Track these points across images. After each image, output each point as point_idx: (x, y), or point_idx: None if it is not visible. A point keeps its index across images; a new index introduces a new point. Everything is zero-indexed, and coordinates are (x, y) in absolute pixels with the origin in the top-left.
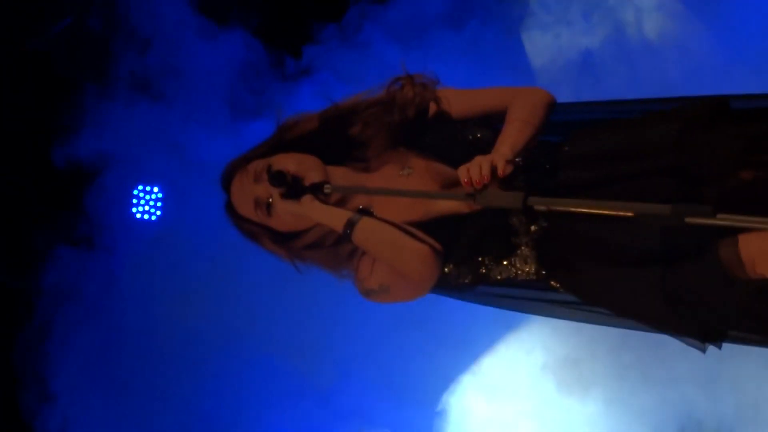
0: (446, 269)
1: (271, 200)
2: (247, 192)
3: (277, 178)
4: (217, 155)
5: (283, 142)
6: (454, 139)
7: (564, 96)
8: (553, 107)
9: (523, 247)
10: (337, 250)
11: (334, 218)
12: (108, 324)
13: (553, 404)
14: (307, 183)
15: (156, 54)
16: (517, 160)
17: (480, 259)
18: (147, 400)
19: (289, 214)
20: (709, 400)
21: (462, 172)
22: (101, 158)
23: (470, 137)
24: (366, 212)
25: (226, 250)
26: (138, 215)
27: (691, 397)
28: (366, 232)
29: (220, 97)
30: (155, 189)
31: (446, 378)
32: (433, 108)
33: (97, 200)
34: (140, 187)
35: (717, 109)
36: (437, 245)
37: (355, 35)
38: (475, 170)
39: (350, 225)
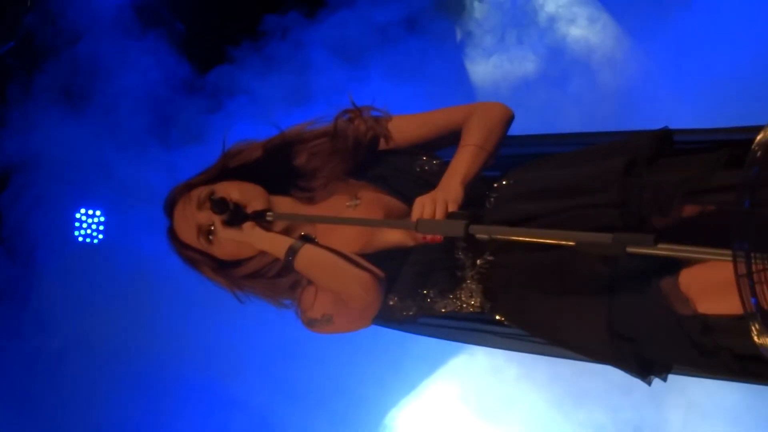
0: (391, 302)
1: (212, 227)
2: (190, 218)
3: (220, 205)
4: (148, 178)
5: (228, 169)
6: (403, 170)
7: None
8: (511, 122)
9: (468, 281)
10: (278, 280)
11: (276, 245)
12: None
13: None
14: (249, 210)
15: (84, 67)
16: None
17: (425, 292)
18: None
19: (230, 241)
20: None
21: (417, 213)
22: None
23: (418, 169)
24: (309, 239)
25: (165, 274)
26: (80, 238)
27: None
28: (308, 258)
29: (148, 119)
30: (98, 212)
31: (386, 402)
32: (383, 141)
33: (38, 221)
34: (83, 210)
35: (660, 144)
36: (380, 272)
37: (294, 53)
38: (429, 211)
39: (292, 252)
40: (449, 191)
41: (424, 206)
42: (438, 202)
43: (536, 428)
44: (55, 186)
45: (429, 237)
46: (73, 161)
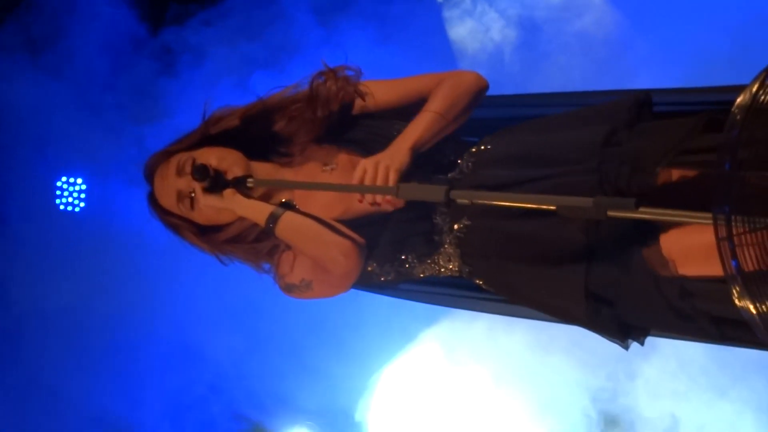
0: (369, 268)
1: (193, 194)
2: (170, 185)
3: (200, 172)
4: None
5: (207, 136)
6: (381, 135)
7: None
8: (483, 93)
9: (446, 246)
10: (258, 245)
11: (257, 212)
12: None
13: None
14: (229, 177)
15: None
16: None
17: (403, 257)
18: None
19: (210, 208)
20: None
21: (357, 176)
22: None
23: (395, 133)
24: (289, 206)
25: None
26: (61, 206)
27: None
28: (289, 225)
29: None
30: (78, 180)
31: (369, 366)
32: (358, 103)
33: (18, 190)
34: (63, 179)
35: (640, 106)
36: (360, 239)
37: (268, 11)
38: (370, 177)
39: (273, 219)
40: (395, 157)
41: (366, 171)
42: (380, 168)
43: (509, 375)
44: (28, 151)
45: (368, 200)
46: (42, 123)
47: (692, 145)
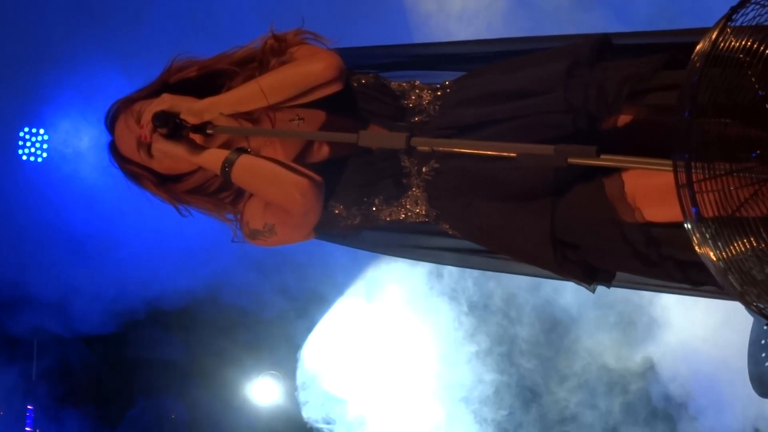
0: (336, 210)
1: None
2: (130, 133)
3: (161, 119)
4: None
5: (167, 85)
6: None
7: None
8: (325, 84)
9: (414, 189)
10: (220, 195)
11: (212, 159)
12: None
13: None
14: (188, 124)
15: None
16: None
17: (370, 200)
18: None
19: (165, 154)
20: None
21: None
22: None
23: (355, 84)
24: (244, 151)
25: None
26: (24, 157)
27: None
28: (244, 168)
29: None
30: (41, 131)
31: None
32: None
33: None
34: (26, 129)
35: (601, 47)
36: (317, 177)
37: None
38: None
39: (228, 163)
40: (195, 106)
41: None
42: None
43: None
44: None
45: None
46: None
47: (653, 82)
